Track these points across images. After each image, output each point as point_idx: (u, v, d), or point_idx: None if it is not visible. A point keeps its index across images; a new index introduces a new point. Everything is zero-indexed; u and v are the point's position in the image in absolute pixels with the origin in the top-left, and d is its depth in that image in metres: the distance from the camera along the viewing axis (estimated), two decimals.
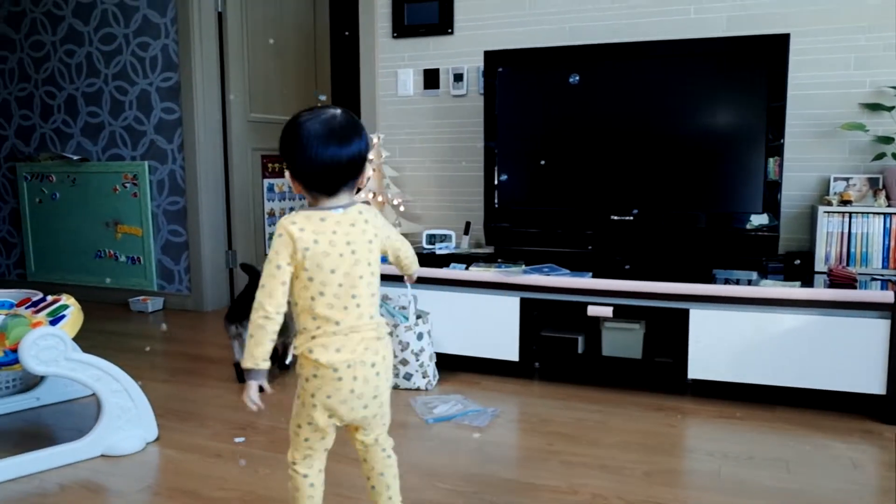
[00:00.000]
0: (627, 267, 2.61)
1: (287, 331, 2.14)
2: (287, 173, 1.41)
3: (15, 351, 1.94)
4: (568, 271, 2.61)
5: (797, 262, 2.60)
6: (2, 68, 4.43)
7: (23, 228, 4.47)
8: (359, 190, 1.49)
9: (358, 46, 3.47)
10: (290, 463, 1.46)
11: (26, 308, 2.18)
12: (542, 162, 2.75)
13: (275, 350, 2.85)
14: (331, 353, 1.36)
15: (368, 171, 1.59)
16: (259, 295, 1.35)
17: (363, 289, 1.39)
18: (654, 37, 2.81)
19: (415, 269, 1.62)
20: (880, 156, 2.62)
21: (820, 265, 2.58)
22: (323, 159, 1.34)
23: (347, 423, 1.43)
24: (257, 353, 1.36)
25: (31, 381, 2.48)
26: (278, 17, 4.28)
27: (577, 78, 2.73)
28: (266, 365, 1.38)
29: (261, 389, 1.39)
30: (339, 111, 1.39)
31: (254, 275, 2.59)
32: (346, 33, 4.93)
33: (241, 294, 2.72)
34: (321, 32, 4.62)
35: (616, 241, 2.73)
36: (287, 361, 1.58)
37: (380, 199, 3.09)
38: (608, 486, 1.81)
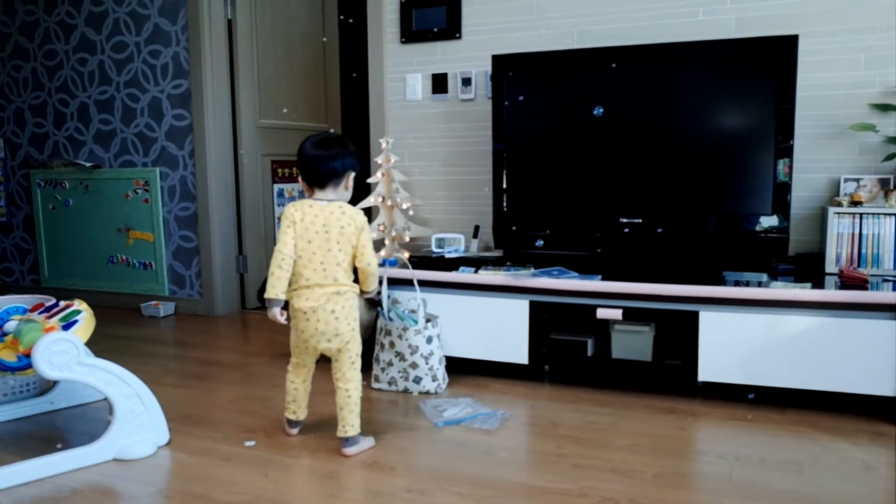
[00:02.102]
0: (628, 263, 2.61)
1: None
2: (300, 177, 2.05)
3: (28, 356, 1.96)
4: (577, 274, 2.61)
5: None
6: (16, 77, 4.48)
7: (36, 235, 4.51)
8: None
9: (366, 52, 3.49)
10: (287, 371, 2.14)
11: (39, 313, 2.20)
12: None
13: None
14: (301, 301, 1.97)
15: (351, 178, 2.05)
16: (277, 245, 1.96)
17: (330, 259, 1.96)
18: (662, 40, 2.81)
19: (369, 288, 2.11)
20: (891, 156, 2.61)
21: (830, 267, 2.57)
22: (311, 158, 1.98)
23: (321, 352, 2.03)
24: (278, 286, 1.96)
25: (45, 386, 2.51)
26: (288, 22, 4.31)
27: (586, 82, 2.74)
28: (283, 297, 1.97)
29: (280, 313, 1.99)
30: (332, 132, 2.03)
31: None
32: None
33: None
34: (330, 38, 4.64)
35: (625, 243, 2.73)
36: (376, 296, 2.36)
37: (389, 203, 3.08)
38: (619, 490, 1.80)
